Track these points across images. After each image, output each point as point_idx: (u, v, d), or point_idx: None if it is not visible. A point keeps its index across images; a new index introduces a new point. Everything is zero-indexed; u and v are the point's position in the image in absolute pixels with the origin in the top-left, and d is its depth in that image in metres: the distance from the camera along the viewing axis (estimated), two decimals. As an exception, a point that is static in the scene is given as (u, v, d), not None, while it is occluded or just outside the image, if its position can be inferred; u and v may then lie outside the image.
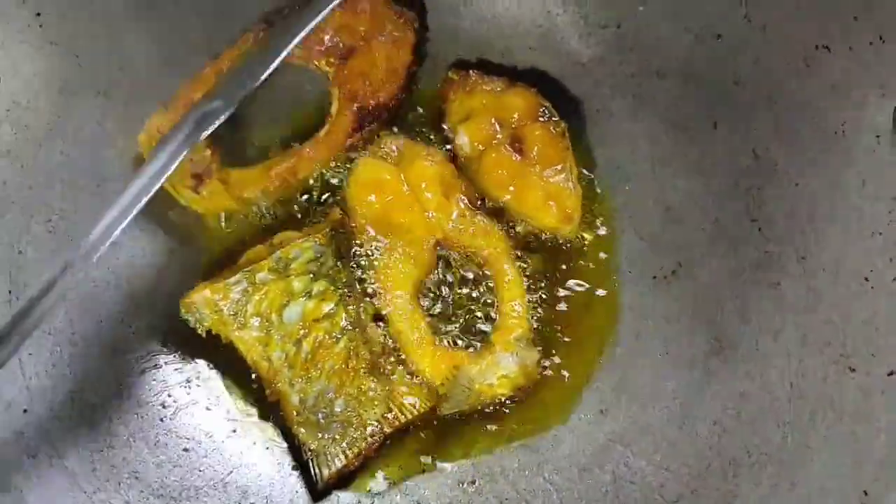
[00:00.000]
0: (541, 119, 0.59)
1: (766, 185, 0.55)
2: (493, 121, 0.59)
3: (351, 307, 0.55)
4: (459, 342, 0.56)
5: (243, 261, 0.55)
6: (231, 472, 0.54)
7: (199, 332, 0.54)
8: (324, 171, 0.58)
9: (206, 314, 0.54)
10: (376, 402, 0.54)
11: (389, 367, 0.55)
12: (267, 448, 0.55)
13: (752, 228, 0.55)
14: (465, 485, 0.53)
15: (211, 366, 0.56)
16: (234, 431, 0.55)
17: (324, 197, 0.58)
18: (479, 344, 0.56)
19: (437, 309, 0.57)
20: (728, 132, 0.57)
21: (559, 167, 0.57)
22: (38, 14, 0.55)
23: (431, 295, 0.57)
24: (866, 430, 0.43)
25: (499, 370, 0.54)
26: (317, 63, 0.59)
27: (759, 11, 0.54)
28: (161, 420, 0.54)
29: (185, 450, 0.53)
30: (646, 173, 0.60)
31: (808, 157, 0.52)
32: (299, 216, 0.58)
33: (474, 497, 0.53)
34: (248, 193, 0.57)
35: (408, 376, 0.55)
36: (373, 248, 0.56)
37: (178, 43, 0.60)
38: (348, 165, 0.58)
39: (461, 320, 0.57)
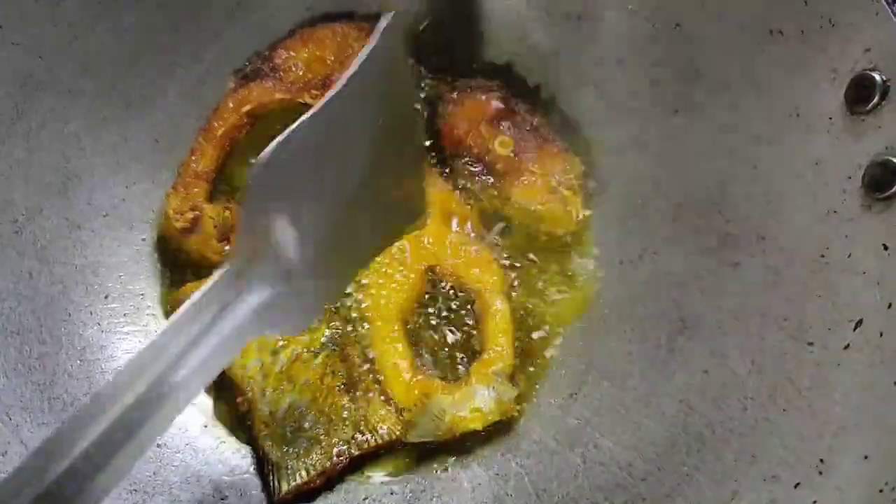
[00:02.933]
0: (517, 114, 0.61)
1: (725, 168, 0.56)
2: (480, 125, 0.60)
3: (332, 324, 0.55)
4: (438, 370, 0.56)
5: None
6: (204, 466, 0.54)
7: None
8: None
9: None
10: (347, 423, 0.53)
11: (364, 390, 0.54)
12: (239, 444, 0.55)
13: (713, 211, 0.56)
14: (439, 472, 0.54)
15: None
16: (206, 427, 0.55)
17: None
18: (458, 374, 0.55)
19: (421, 335, 0.57)
20: (688, 118, 0.58)
21: (550, 159, 0.58)
22: (-1, 14, 0.54)
23: (417, 320, 0.57)
24: (823, 403, 0.45)
25: (473, 402, 0.53)
26: (301, 99, 0.61)
27: (715, 0, 0.56)
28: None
29: (158, 445, 0.53)
30: (609, 161, 0.61)
31: (764, 140, 0.53)
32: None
33: (447, 483, 0.53)
34: None
35: (382, 398, 0.54)
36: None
37: (144, 43, 0.60)
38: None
39: (443, 349, 0.57)
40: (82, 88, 0.58)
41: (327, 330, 0.55)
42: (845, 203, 0.48)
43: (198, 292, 0.40)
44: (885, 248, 0.45)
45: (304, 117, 0.42)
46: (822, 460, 0.42)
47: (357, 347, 0.55)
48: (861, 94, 0.47)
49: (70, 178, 0.58)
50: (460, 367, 0.56)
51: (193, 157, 0.59)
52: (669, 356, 0.54)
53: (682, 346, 0.54)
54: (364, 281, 0.56)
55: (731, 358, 0.51)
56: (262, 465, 0.53)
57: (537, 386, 0.57)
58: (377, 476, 0.54)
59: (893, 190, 0.45)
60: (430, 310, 0.57)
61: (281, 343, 0.54)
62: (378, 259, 0.56)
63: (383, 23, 0.45)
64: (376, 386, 0.54)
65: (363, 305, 0.56)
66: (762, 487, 0.44)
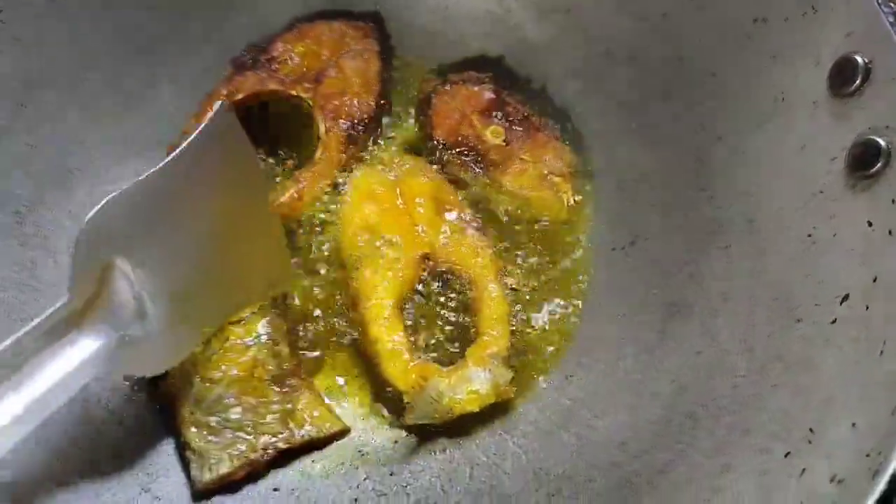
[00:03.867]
0: (508, 104, 0.62)
1: (714, 154, 0.57)
2: (472, 116, 0.61)
3: (267, 318, 0.55)
4: (434, 355, 0.56)
5: None
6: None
7: None
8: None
9: None
10: (276, 417, 0.53)
11: (294, 385, 0.54)
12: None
13: (702, 196, 0.57)
14: (437, 453, 0.55)
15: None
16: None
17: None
18: (454, 358, 0.56)
19: (417, 320, 0.57)
20: (675, 107, 0.60)
21: (541, 147, 0.60)
22: (1, 10, 0.55)
23: (412, 307, 0.58)
24: (811, 376, 0.45)
25: (470, 385, 0.53)
26: (293, 92, 0.62)
27: (700, -10, 0.57)
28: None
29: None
30: (600, 150, 0.63)
31: (751, 126, 0.55)
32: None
33: (445, 464, 0.54)
34: None
35: (312, 394, 0.54)
36: (360, 255, 0.57)
37: (142, 39, 0.61)
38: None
39: (439, 333, 0.57)
40: (82, 83, 0.59)
41: (262, 323, 0.55)
42: (830, 184, 0.49)
43: (15, 336, 0.41)
44: (870, 224, 0.46)
45: (139, 178, 0.46)
46: (811, 430, 0.43)
47: (287, 346, 0.55)
48: (844, 77, 0.49)
49: (70, 170, 0.59)
50: (456, 351, 0.56)
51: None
52: (662, 339, 0.55)
53: (674, 329, 0.55)
54: (359, 267, 0.56)
55: (722, 338, 0.52)
56: (184, 451, 0.52)
57: (532, 371, 0.57)
58: (379, 457, 0.55)
59: (876, 168, 0.46)
60: (425, 296, 0.58)
61: (213, 335, 0.54)
62: (375, 245, 0.57)
63: (216, 106, 0.50)
64: (306, 380, 0.55)
65: (360, 293, 0.56)
66: (754, 459, 0.45)
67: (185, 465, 0.52)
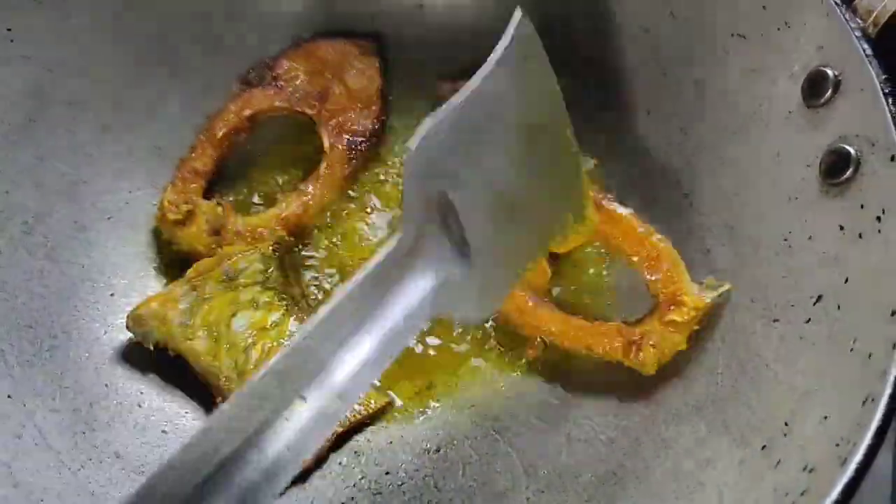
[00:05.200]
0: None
1: (695, 163, 0.59)
2: None
3: (296, 317, 0.57)
4: None
5: (191, 272, 0.58)
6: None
7: (147, 346, 0.56)
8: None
9: (155, 326, 0.56)
10: None
11: None
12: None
13: (685, 203, 0.60)
14: (431, 453, 0.57)
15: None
16: (211, 413, 0.57)
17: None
18: None
19: None
20: (659, 117, 0.62)
21: None
22: (10, 29, 0.58)
23: None
24: (787, 372, 0.48)
25: None
26: (299, 109, 0.64)
27: (681, 6, 0.59)
28: (139, 405, 0.56)
29: (164, 431, 0.56)
30: (585, 159, 0.65)
31: (730, 135, 0.57)
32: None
33: (439, 463, 0.56)
34: (267, 236, 0.61)
35: None
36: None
37: (147, 56, 0.64)
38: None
39: None
40: (89, 99, 0.61)
41: (293, 322, 0.57)
42: (805, 190, 0.51)
43: (362, 270, 0.37)
44: (842, 228, 0.48)
45: (450, 103, 0.41)
46: (786, 423, 0.45)
47: None
48: (815, 88, 0.51)
49: (77, 183, 0.61)
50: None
51: (193, 155, 0.63)
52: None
53: (658, 330, 0.57)
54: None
55: (704, 338, 0.54)
56: None
57: (520, 370, 0.60)
58: (374, 457, 0.57)
59: (847, 175, 0.48)
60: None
61: (250, 341, 0.56)
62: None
63: (515, 18, 0.45)
64: None
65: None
66: (733, 452, 0.47)
67: None
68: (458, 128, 0.42)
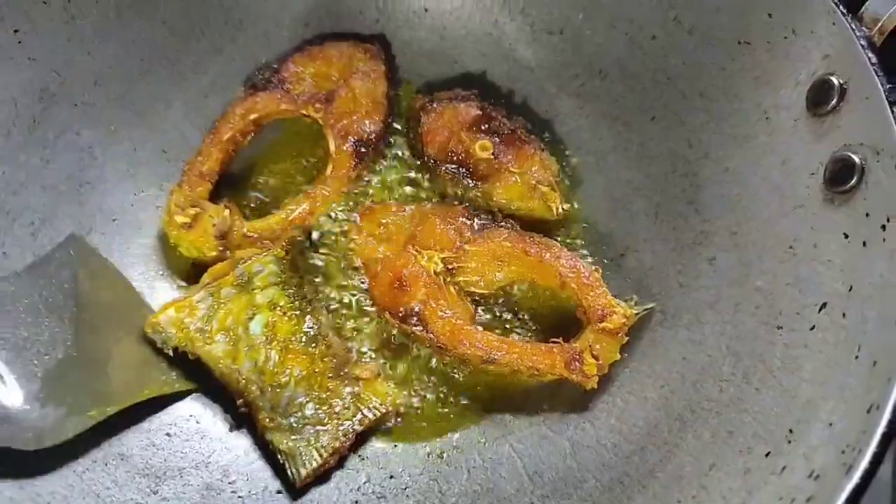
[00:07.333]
0: (495, 118, 0.64)
1: (700, 170, 0.60)
2: (460, 132, 0.63)
3: (313, 317, 0.58)
4: None
5: (206, 277, 0.58)
6: (213, 452, 0.56)
7: (167, 351, 0.57)
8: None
9: (173, 333, 0.56)
10: (346, 404, 0.56)
11: (353, 370, 0.57)
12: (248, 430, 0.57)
13: (690, 210, 0.60)
14: (434, 457, 0.57)
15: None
16: (215, 416, 0.58)
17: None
18: None
19: None
20: (664, 124, 0.62)
21: (528, 159, 0.62)
22: (17, 31, 0.58)
23: None
24: (792, 380, 0.48)
25: None
26: (305, 112, 0.65)
27: (687, 14, 0.60)
28: (144, 408, 0.56)
29: (168, 434, 0.56)
30: (592, 166, 0.65)
31: (735, 143, 0.57)
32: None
33: (443, 467, 0.56)
34: (273, 240, 0.61)
35: (379, 378, 0.58)
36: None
37: (151, 59, 0.64)
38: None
39: None
40: (94, 101, 0.62)
41: (309, 321, 0.58)
42: (810, 198, 0.52)
43: None
44: (846, 236, 0.48)
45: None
46: (791, 430, 0.45)
47: (337, 338, 0.58)
48: (821, 96, 0.51)
49: (83, 185, 0.61)
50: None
51: (199, 158, 0.63)
52: (651, 346, 0.58)
53: (662, 336, 0.57)
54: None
55: (708, 345, 0.55)
56: (275, 457, 0.55)
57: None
58: (379, 460, 0.57)
59: (852, 184, 0.48)
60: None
61: (268, 342, 0.56)
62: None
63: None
64: (357, 363, 0.58)
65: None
66: (737, 458, 0.48)
67: (278, 469, 0.55)
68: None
